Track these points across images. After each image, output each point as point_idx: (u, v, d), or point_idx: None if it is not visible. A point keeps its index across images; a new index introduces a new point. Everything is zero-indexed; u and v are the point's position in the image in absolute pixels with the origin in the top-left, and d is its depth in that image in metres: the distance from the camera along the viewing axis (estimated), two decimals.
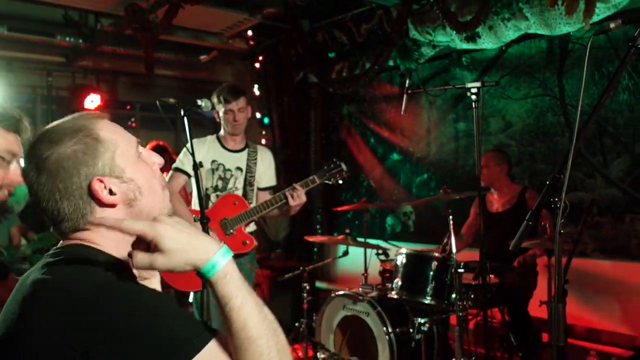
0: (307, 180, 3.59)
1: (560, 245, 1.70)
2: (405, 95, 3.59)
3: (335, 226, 6.73)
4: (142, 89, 7.03)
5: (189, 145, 3.13)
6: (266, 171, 3.86)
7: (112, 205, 1.17)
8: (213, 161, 3.73)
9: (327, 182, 3.64)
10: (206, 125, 8.37)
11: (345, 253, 4.35)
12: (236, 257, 3.11)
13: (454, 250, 3.46)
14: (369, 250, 4.36)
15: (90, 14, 5.66)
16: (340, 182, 3.64)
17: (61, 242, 1.21)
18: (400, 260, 3.74)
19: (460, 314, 3.43)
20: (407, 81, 3.65)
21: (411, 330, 3.68)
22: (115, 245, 1.18)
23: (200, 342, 1.02)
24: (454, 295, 3.44)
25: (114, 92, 6.82)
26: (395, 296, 3.67)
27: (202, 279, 1.06)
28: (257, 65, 6.88)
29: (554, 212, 1.70)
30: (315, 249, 6.48)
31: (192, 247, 1.05)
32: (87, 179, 1.14)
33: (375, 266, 4.41)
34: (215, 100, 3.64)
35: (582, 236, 3.30)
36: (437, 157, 5.75)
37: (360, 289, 4.05)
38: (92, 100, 6.20)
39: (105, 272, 1.09)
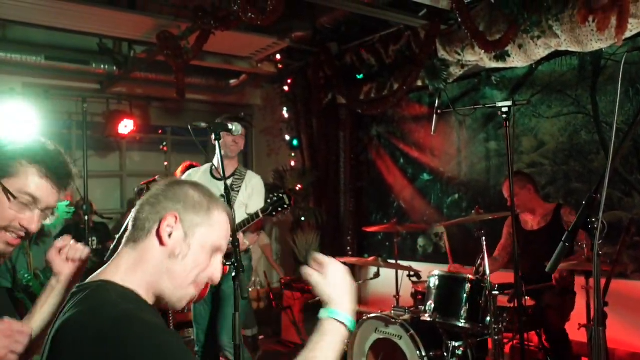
0: (252, 215, 3.48)
1: (599, 267, 1.65)
2: (435, 115, 3.58)
3: (365, 247, 6.69)
4: (173, 114, 7.17)
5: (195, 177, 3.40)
6: (251, 197, 3.80)
7: (161, 242, 1.30)
8: None
9: (272, 215, 3.48)
10: None
11: (377, 275, 4.31)
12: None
13: (487, 271, 3.40)
14: (400, 272, 4.31)
15: (124, 42, 5.82)
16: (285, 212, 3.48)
17: (91, 278, 1.32)
18: (433, 282, 3.68)
19: (496, 338, 3.35)
20: (437, 101, 3.63)
21: (445, 354, 3.60)
22: (142, 286, 1.29)
23: None
24: (488, 318, 3.37)
25: (146, 117, 6.96)
26: (429, 319, 3.60)
27: (322, 311, 1.34)
28: (286, 88, 6.95)
29: (592, 233, 1.65)
30: None
31: (338, 292, 1.36)
32: (168, 208, 1.32)
33: (407, 288, 4.36)
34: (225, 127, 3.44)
35: (621, 257, 3.21)
36: (468, 177, 5.68)
37: (392, 311, 3.99)
38: (126, 126, 6.34)
39: (123, 304, 1.19)
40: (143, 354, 1.09)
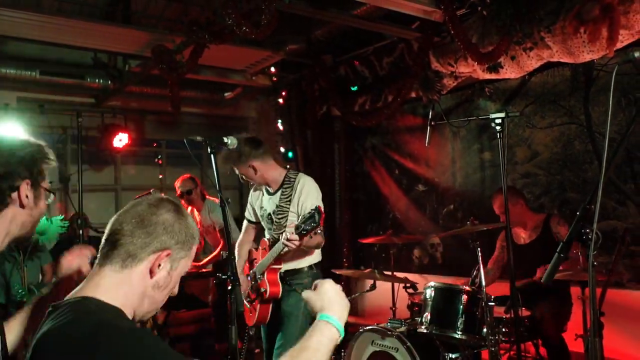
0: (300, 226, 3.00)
1: (594, 278, 1.65)
2: (429, 127, 3.59)
3: (361, 259, 6.68)
4: (168, 127, 7.17)
5: (251, 194, 3.70)
6: (305, 201, 3.39)
7: (151, 275, 1.40)
8: (261, 207, 3.66)
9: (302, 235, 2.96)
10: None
11: (373, 287, 4.30)
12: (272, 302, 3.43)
13: (483, 282, 3.40)
14: (396, 283, 4.30)
15: (119, 56, 5.83)
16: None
17: (69, 296, 1.37)
18: (429, 293, 3.67)
19: (493, 349, 3.33)
20: (431, 113, 3.64)
21: None
22: (123, 299, 1.36)
23: None
24: (485, 330, 3.36)
25: (141, 130, 6.96)
26: (425, 331, 3.59)
27: (316, 318, 1.47)
28: (281, 100, 6.97)
29: (586, 244, 1.66)
30: (342, 283, 6.43)
31: (329, 301, 1.51)
32: (165, 243, 1.40)
33: (403, 299, 4.35)
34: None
35: (616, 266, 3.21)
36: (463, 187, 5.70)
37: (388, 323, 3.98)
38: (120, 139, 6.34)
39: (100, 314, 1.28)
40: (121, 351, 1.17)
